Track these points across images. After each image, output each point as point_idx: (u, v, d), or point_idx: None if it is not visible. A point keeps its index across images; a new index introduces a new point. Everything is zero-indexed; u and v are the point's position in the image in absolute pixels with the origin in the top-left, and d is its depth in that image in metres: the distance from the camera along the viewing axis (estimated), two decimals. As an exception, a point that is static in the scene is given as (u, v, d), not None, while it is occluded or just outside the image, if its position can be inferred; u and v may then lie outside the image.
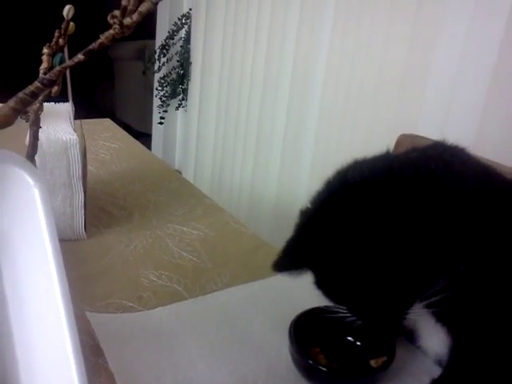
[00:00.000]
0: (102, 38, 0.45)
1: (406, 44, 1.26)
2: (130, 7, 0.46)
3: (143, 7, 0.45)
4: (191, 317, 0.63)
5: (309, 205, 0.54)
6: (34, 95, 0.45)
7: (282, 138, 1.78)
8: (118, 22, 0.44)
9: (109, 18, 0.47)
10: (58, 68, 0.46)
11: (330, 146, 1.54)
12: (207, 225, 0.88)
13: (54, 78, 0.45)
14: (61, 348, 0.32)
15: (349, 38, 1.43)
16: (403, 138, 1.03)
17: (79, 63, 0.46)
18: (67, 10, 0.55)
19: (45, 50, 0.57)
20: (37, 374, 0.33)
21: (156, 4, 0.45)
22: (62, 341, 0.32)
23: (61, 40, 0.59)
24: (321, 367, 0.52)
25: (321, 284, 0.50)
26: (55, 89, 0.54)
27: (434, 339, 0.52)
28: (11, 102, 0.45)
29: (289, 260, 0.53)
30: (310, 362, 0.52)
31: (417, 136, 1.03)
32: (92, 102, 3.92)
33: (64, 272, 0.33)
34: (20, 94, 0.45)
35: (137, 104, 3.31)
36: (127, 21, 0.45)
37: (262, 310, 0.65)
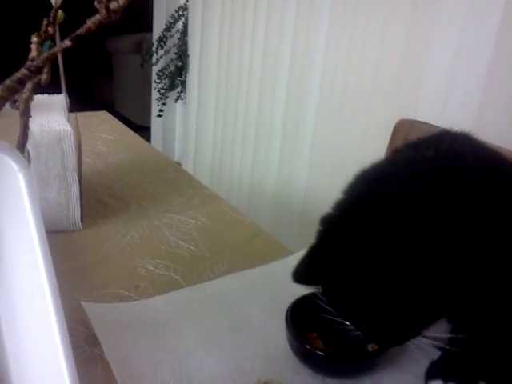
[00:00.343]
0: (89, 23, 0.45)
1: (403, 29, 1.25)
2: (116, -9, 0.46)
3: (129, -9, 0.45)
4: (188, 305, 0.63)
5: (331, 211, 0.50)
6: (21, 82, 0.45)
7: (280, 129, 1.77)
8: (103, 7, 0.44)
9: (95, 2, 0.47)
10: (44, 54, 0.45)
11: (329, 135, 1.53)
12: (205, 214, 0.88)
13: (41, 65, 0.45)
14: (49, 335, 0.32)
15: (346, 26, 1.42)
16: (401, 124, 1.02)
17: (66, 49, 0.45)
18: (55, -3, 0.54)
19: (34, 39, 0.56)
20: (26, 363, 0.33)
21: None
22: (50, 329, 0.32)
23: (50, 28, 0.58)
24: (318, 352, 0.51)
25: (332, 296, 0.49)
26: (44, 77, 0.53)
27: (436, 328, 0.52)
28: (-2, 90, 0.44)
29: (309, 269, 0.50)
30: (308, 346, 0.52)
31: (415, 121, 1.02)
32: (91, 95, 3.91)
33: (50, 260, 0.33)
34: (7, 82, 0.45)
35: (135, 97, 3.31)
36: (113, 5, 0.45)
37: (259, 296, 0.65)
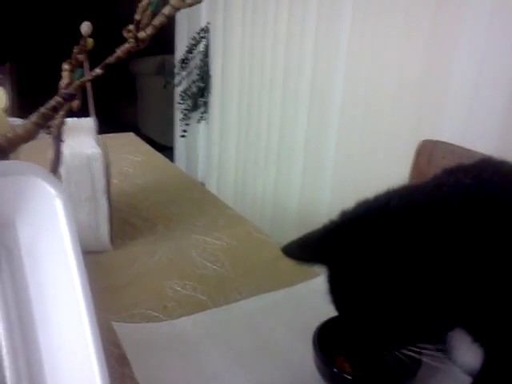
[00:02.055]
0: (118, 51, 0.46)
1: (424, 49, 1.26)
2: (143, 21, 0.47)
3: (156, 21, 0.46)
4: (215, 326, 0.63)
5: (353, 209, 0.51)
6: (55, 109, 0.47)
7: (303, 148, 1.78)
8: (132, 36, 0.45)
9: (124, 32, 0.48)
10: (77, 82, 0.47)
11: (352, 154, 1.53)
12: (230, 235, 0.88)
13: (74, 92, 0.47)
14: (85, 358, 0.32)
15: (367, 46, 1.43)
16: (425, 144, 1.02)
17: (97, 77, 0.47)
18: (85, 27, 0.56)
19: (65, 66, 0.58)
20: (63, 382, 0.34)
21: (169, 17, 0.46)
22: (86, 350, 0.33)
23: (80, 56, 0.60)
24: (346, 375, 0.51)
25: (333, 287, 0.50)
26: (76, 103, 0.55)
27: (464, 351, 0.51)
28: (33, 117, 0.46)
29: (305, 250, 0.52)
30: (335, 370, 0.51)
31: (438, 141, 1.02)
32: (116, 117, 3.99)
33: (87, 281, 0.33)
34: (42, 109, 0.46)
35: (159, 118, 3.36)
36: (141, 34, 0.46)
37: (285, 318, 0.65)
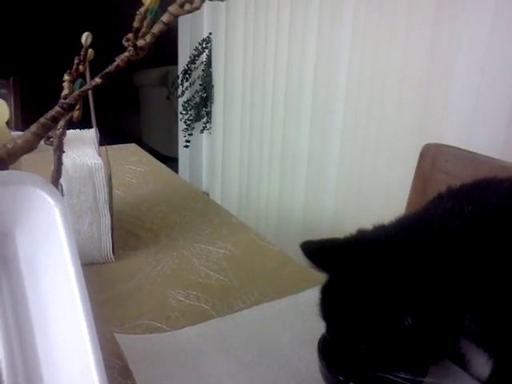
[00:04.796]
0: (118, 60, 0.46)
1: (426, 53, 1.26)
2: (143, 29, 0.47)
3: (156, 28, 0.46)
4: (219, 335, 0.63)
5: (363, 231, 0.52)
6: (54, 120, 0.46)
7: (306, 156, 1.78)
8: (131, 45, 0.45)
9: (123, 41, 0.48)
10: (76, 92, 0.47)
11: (355, 161, 1.53)
12: (233, 243, 0.88)
13: (74, 102, 0.46)
14: (85, 369, 0.32)
15: (368, 52, 1.43)
16: (428, 148, 1.01)
17: (97, 86, 0.47)
18: (85, 37, 0.56)
19: (66, 77, 0.58)
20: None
21: (168, 25, 0.46)
22: (86, 362, 0.32)
23: (81, 66, 0.60)
24: (352, 383, 0.50)
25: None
26: (76, 114, 0.55)
27: (475, 361, 0.51)
28: (33, 128, 0.46)
29: (322, 253, 0.52)
30: (341, 378, 0.51)
31: (441, 145, 1.02)
32: (119, 129, 4.00)
33: (86, 292, 0.33)
34: (41, 119, 0.46)
35: (162, 129, 3.37)
36: (141, 42, 0.46)
37: (290, 326, 0.64)
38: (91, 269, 0.78)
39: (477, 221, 0.48)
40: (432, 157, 0.95)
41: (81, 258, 0.79)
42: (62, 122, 0.58)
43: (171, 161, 2.88)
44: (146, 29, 0.47)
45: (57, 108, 0.46)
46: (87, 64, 0.63)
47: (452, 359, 0.53)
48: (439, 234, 0.47)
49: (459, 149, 0.93)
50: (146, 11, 0.44)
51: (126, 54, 0.46)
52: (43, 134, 0.46)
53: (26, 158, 0.73)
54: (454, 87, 1.19)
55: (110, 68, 0.46)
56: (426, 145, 0.97)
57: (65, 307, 0.34)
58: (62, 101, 0.47)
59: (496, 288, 0.43)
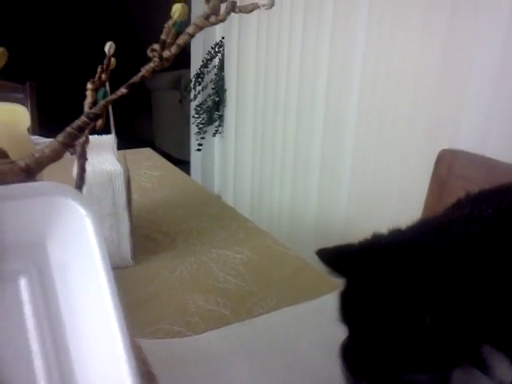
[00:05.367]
0: (143, 70, 0.47)
1: (441, 56, 1.25)
2: (168, 41, 0.48)
3: (181, 40, 0.47)
4: (240, 340, 0.63)
5: (379, 235, 0.52)
6: (80, 129, 0.47)
7: (319, 159, 1.78)
8: (157, 55, 0.46)
9: (148, 51, 0.49)
10: (102, 102, 0.47)
11: (368, 165, 1.53)
12: (250, 248, 0.88)
13: (100, 112, 0.47)
14: (119, 376, 0.33)
15: (382, 55, 1.43)
16: (444, 154, 1.01)
17: (122, 96, 0.47)
18: (109, 47, 0.57)
19: (89, 86, 0.59)
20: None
21: (192, 36, 0.46)
22: (119, 368, 0.33)
23: (103, 75, 0.61)
24: (374, 389, 0.50)
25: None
26: (99, 122, 0.56)
27: (497, 366, 0.51)
28: (60, 137, 0.47)
29: (337, 258, 0.52)
30: (364, 382, 0.51)
31: (458, 151, 1.02)
32: (132, 132, 4.03)
33: (118, 300, 0.34)
34: (68, 129, 0.47)
35: (175, 132, 3.39)
36: (166, 53, 0.47)
37: (310, 331, 0.65)
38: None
39: (496, 225, 0.47)
40: (448, 162, 0.95)
41: (101, 262, 0.80)
42: (85, 131, 0.58)
43: (183, 164, 2.90)
44: (171, 40, 0.47)
45: (83, 118, 0.47)
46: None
47: (474, 364, 0.53)
48: (457, 237, 0.47)
49: (475, 154, 0.94)
50: (173, 24, 0.45)
51: (152, 64, 0.47)
52: (69, 143, 0.47)
53: (53, 167, 0.75)
54: (468, 92, 1.19)
55: (136, 78, 0.47)
56: (443, 150, 0.97)
57: (97, 316, 0.35)
58: (88, 111, 0.47)
59: None
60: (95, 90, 0.59)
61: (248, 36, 2.14)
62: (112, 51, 0.59)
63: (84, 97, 0.61)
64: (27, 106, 1.66)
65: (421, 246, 0.47)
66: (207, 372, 0.57)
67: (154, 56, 0.46)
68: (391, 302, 0.45)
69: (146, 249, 0.87)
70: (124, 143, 1.28)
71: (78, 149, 0.62)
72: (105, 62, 0.60)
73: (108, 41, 0.62)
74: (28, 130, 0.83)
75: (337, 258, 0.52)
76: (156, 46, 0.47)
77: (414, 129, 1.35)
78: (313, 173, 1.82)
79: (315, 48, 1.73)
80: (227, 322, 0.67)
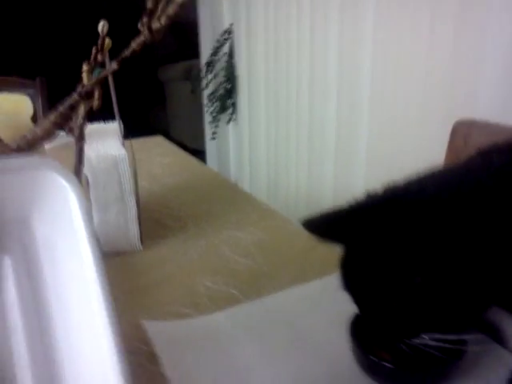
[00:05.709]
0: (133, 44, 0.46)
1: (456, 19, 1.20)
2: (158, 13, 0.47)
3: (170, 10, 0.45)
4: (248, 320, 0.62)
5: (372, 193, 0.49)
6: (72, 108, 0.46)
7: (334, 141, 1.75)
8: (146, 28, 0.45)
9: (139, 25, 0.48)
10: (93, 80, 0.46)
11: (384, 142, 1.50)
12: (262, 229, 0.87)
13: (90, 90, 0.46)
14: (105, 354, 0.32)
15: (393, 24, 1.39)
16: (460, 124, 0.98)
17: (114, 72, 0.46)
18: (101, 26, 0.56)
19: (84, 67, 0.58)
20: (82, 378, 0.33)
21: (182, 5, 0.45)
22: (106, 346, 0.32)
23: (99, 56, 0.60)
24: (385, 364, 0.49)
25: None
26: (96, 103, 0.55)
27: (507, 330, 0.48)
28: (51, 117, 0.46)
29: (327, 225, 0.50)
30: (373, 358, 0.49)
31: (474, 121, 0.98)
32: (147, 125, 4.04)
33: (105, 276, 0.33)
34: (59, 108, 0.46)
35: (189, 123, 3.39)
36: (156, 25, 0.46)
37: (321, 309, 0.63)
38: (120, 258, 0.78)
39: (506, 176, 0.43)
40: (464, 133, 0.92)
41: (109, 247, 0.80)
42: (82, 112, 0.58)
43: (200, 154, 2.89)
44: (161, 12, 0.46)
45: (74, 96, 0.46)
46: (106, 53, 0.63)
47: (485, 331, 0.51)
48: (463, 187, 0.43)
49: (493, 124, 0.90)
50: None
51: (142, 37, 0.45)
52: (62, 122, 0.46)
53: (55, 155, 0.74)
54: (484, 57, 1.14)
55: (126, 53, 0.46)
56: (458, 121, 0.94)
57: (84, 292, 0.34)
58: (79, 89, 0.46)
59: None
60: (90, 71, 0.58)
61: (257, 20, 2.11)
62: (105, 31, 0.58)
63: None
64: (38, 101, 1.67)
65: (418, 199, 0.44)
66: (214, 352, 0.56)
67: (144, 29, 0.45)
68: (389, 263, 0.43)
69: (155, 233, 0.86)
70: (140, 136, 1.28)
71: (76, 131, 0.62)
72: (99, 42, 0.59)
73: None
74: (34, 119, 0.83)
75: (327, 226, 0.49)
76: (144, 19, 0.45)
77: (430, 100, 1.31)
78: (328, 155, 1.79)
79: (325, 27, 1.70)
80: (237, 303, 0.66)
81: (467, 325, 0.44)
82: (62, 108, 0.45)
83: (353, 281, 0.47)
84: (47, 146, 1.28)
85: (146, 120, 4.08)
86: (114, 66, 0.45)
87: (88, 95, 0.46)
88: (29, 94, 1.74)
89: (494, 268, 0.39)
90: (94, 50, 0.60)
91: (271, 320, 0.62)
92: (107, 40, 0.61)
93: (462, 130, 0.96)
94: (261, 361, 0.55)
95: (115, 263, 0.77)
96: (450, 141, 0.98)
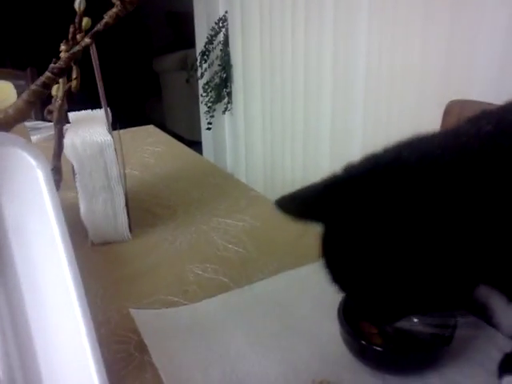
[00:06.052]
0: (106, 17, 0.44)
1: (451, 3, 1.18)
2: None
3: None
4: (238, 307, 0.61)
5: (360, 162, 0.44)
6: (45, 86, 0.45)
7: (329, 127, 1.74)
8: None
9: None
10: (66, 55, 0.44)
11: (379, 127, 1.48)
12: (252, 215, 0.85)
13: (64, 66, 0.44)
14: (76, 336, 0.30)
15: (389, 5, 1.37)
16: (453, 104, 0.96)
17: (87, 47, 0.44)
18: (78, 3, 0.54)
19: (62, 47, 0.56)
20: (56, 364, 0.31)
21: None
22: (76, 327, 0.30)
23: (78, 36, 0.58)
24: (375, 347, 0.47)
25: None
26: (74, 83, 0.53)
27: (502, 313, 0.46)
28: (24, 95, 0.44)
29: (301, 204, 0.46)
30: (363, 342, 0.48)
31: (467, 101, 0.96)
32: (143, 116, 4.01)
33: (73, 255, 0.31)
34: (32, 87, 0.44)
35: (185, 113, 3.36)
36: (129, -3, 0.44)
37: (310, 294, 0.62)
38: (108, 247, 0.77)
39: (495, 142, 0.39)
40: (457, 113, 0.90)
41: (97, 237, 0.78)
42: (60, 94, 0.56)
43: (196, 145, 2.87)
44: (134, -17, 0.44)
45: (47, 73, 0.44)
46: (84, 33, 0.61)
47: (474, 312, 0.49)
48: (446, 155, 0.39)
49: (486, 103, 0.88)
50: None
51: (114, 9, 0.43)
52: (35, 101, 0.44)
53: (43, 146, 0.72)
54: (479, 37, 1.12)
55: (99, 26, 0.44)
56: (451, 101, 0.92)
57: (53, 270, 0.32)
58: (52, 65, 0.44)
59: None
60: (68, 51, 0.56)
61: (251, 9, 2.08)
62: (82, 8, 0.56)
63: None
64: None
65: (398, 168, 0.40)
66: (202, 340, 0.55)
67: (116, 0, 0.43)
68: (371, 240, 0.40)
69: (145, 222, 0.84)
70: (136, 127, 1.26)
71: (55, 114, 0.60)
72: (76, 20, 0.57)
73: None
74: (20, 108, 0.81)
75: (302, 204, 0.46)
76: (116, -11, 0.43)
77: (425, 81, 1.29)
78: (324, 142, 1.77)
79: (319, 15, 1.67)
80: (226, 290, 0.65)
81: (456, 306, 0.42)
82: (34, 86, 0.43)
83: (334, 261, 0.45)
84: (33, 137, 1.26)
85: (142, 112, 4.06)
86: (87, 41, 0.44)
87: (61, 72, 0.44)
88: (20, 85, 1.72)
89: (482, 243, 0.37)
90: (71, 29, 0.58)
91: (261, 306, 0.60)
92: (86, 19, 0.59)
93: (455, 110, 0.95)
94: (250, 347, 0.54)
95: (103, 252, 0.76)
96: (443, 120, 0.96)
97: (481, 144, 0.39)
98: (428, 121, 1.16)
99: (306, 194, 0.46)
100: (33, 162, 0.33)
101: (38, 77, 1.53)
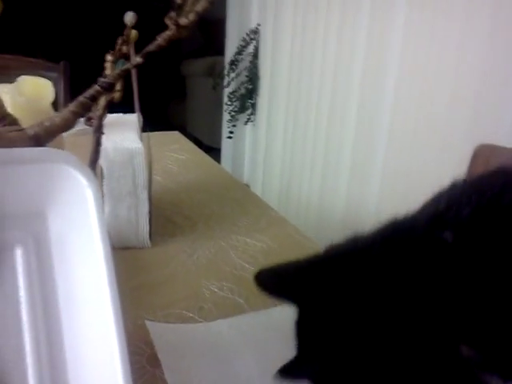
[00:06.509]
0: (159, 39, 0.44)
1: (482, 46, 1.19)
2: (186, 8, 0.45)
3: (199, 7, 0.44)
4: (252, 330, 0.61)
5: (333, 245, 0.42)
6: (93, 99, 0.45)
7: (350, 152, 1.74)
8: (174, 23, 0.44)
9: (166, 19, 0.47)
10: (116, 71, 0.45)
11: (402, 160, 1.48)
12: (270, 236, 0.86)
13: (113, 81, 0.45)
14: (109, 353, 0.31)
15: (421, 42, 1.37)
16: (481, 149, 0.96)
17: (138, 66, 0.45)
18: (129, 17, 0.55)
19: (108, 58, 0.57)
20: (86, 379, 0.32)
21: (211, 2, 0.44)
22: (109, 343, 0.31)
23: (124, 47, 0.59)
24: None
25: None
26: (117, 95, 0.54)
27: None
28: (71, 106, 0.45)
29: (279, 281, 0.43)
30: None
31: (496, 146, 0.96)
32: (165, 118, 4.04)
33: (114, 277, 0.32)
34: (80, 98, 0.45)
35: (207, 119, 3.38)
36: (183, 21, 0.44)
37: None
38: (127, 253, 0.78)
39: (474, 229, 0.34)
40: (485, 158, 0.90)
41: (118, 241, 0.79)
42: (102, 103, 0.57)
43: (214, 151, 2.88)
44: (190, 7, 0.45)
45: (96, 87, 0.45)
46: (132, 45, 0.62)
47: None
48: (423, 247, 0.35)
49: (516, 150, 0.88)
50: (192, -13, 0.43)
51: (168, 32, 0.44)
52: (82, 112, 0.45)
53: (72, 142, 0.73)
54: (510, 83, 1.13)
55: (152, 47, 0.45)
56: (480, 145, 0.92)
57: (92, 290, 0.33)
58: (101, 79, 0.45)
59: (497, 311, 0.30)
60: (114, 62, 0.57)
61: (284, 23, 2.10)
62: (133, 22, 0.57)
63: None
64: (60, 86, 1.67)
65: (378, 255, 0.37)
66: (214, 360, 0.55)
67: (171, 24, 0.44)
68: (346, 328, 0.36)
69: (165, 231, 0.85)
70: (156, 128, 1.27)
71: (95, 122, 0.61)
72: (124, 33, 0.58)
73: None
74: (55, 105, 0.83)
75: (278, 281, 0.42)
76: (172, 14, 0.44)
77: (453, 124, 1.29)
78: (344, 165, 1.77)
79: (351, 39, 1.68)
80: (241, 311, 0.65)
81: None
82: (82, 98, 0.44)
83: (309, 348, 0.41)
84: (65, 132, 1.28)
85: (164, 113, 4.08)
86: (139, 59, 0.44)
87: (110, 87, 0.45)
88: (51, 78, 1.74)
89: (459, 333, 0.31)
90: (119, 41, 0.59)
91: (275, 332, 0.60)
92: (134, 32, 0.60)
93: (483, 155, 0.94)
94: (261, 373, 0.54)
95: (122, 256, 0.76)
96: (470, 164, 0.96)
97: (457, 233, 0.34)
98: (453, 162, 1.16)
99: (285, 272, 0.42)
100: (84, 181, 0.33)
101: (71, 70, 1.54)
